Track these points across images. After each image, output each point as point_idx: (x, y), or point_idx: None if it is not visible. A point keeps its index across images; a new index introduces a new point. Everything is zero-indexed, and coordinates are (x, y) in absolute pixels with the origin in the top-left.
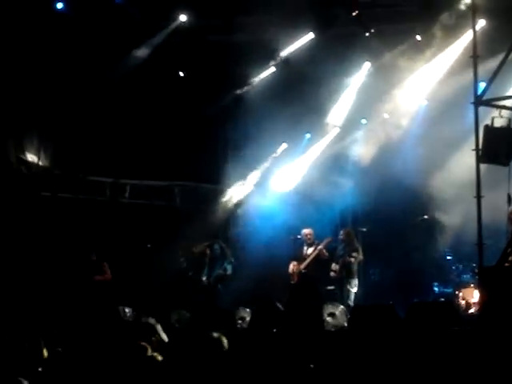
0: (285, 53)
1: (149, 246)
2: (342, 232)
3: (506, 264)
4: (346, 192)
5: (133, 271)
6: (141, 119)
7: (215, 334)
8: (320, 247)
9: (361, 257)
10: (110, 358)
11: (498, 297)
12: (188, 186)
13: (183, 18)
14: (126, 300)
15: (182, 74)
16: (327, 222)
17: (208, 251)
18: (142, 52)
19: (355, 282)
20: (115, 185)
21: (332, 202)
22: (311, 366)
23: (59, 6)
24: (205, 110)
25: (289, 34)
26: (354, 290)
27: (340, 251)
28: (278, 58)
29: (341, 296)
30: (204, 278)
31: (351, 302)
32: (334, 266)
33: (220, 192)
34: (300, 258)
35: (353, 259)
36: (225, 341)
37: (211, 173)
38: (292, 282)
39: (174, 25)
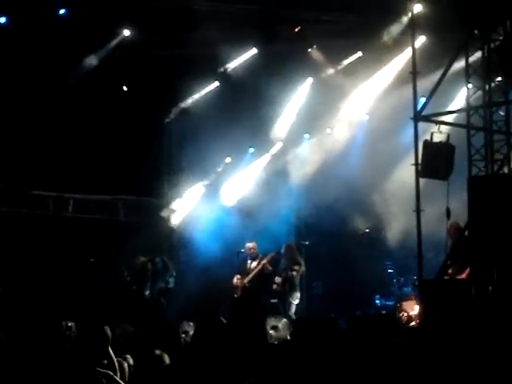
0: (228, 68)
1: (92, 260)
2: (283, 246)
3: (445, 277)
4: (290, 206)
5: (76, 286)
6: (84, 133)
7: (157, 352)
8: (264, 262)
9: (303, 269)
10: (52, 372)
11: (437, 309)
12: (131, 200)
13: (127, 32)
14: (69, 315)
15: (125, 88)
16: (271, 235)
17: (150, 265)
18: (85, 66)
19: (297, 294)
20: (59, 199)
21: (276, 216)
22: (251, 379)
23: (2, 20)
24: (148, 125)
25: (232, 49)
26: (296, 302)
27: (282, 265)
28: (222, 73)
29: (283, 309)
30: (147, 292)
31: (292, 315)
32: (277, 279)
33: (163, 206)
34: (244, 271)
35: (295, 272)
36: (166, 357)
37: (154, 187)
38: (235, 296)
39: (117, 39)
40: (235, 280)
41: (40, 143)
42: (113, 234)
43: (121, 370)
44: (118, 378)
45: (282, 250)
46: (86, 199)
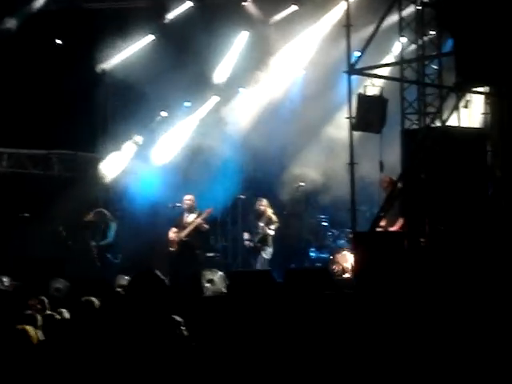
0: (163, 21)
1: (26, 215)
2: (258, 203)
3: (378, 229)
4: (226, 160)
5: (10, 241)
6: (18, 88)
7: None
8: (199, 220)
9: (278, 225)
10: None
11: (370, 261)
12: (66, 155)
13: None
14: (2, 269)
15: (59, 41)
16: (209, 189)
17: (93, 219)
18: (16, 20)
19: (270, 250)
20: None
21: (212, 171)
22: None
23: None
24: (83, 79)
25: (167, 2)
26: (269, 257)
27: (253, 219)
28: (157, 27)
29: (254, 263)
30: (93, 244)
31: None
32: (247, 235)
33: (99, 160)
34: (180, 225)
35: (272, 232)
36: (96, 301)
37: (89, 141)
38: (172, 250)
39: None
40: (171, 234)
41: None
42: (47, 189)
43: (51, 322)
44: (33, 332)
45: (256, 207)
46: (19, 153)
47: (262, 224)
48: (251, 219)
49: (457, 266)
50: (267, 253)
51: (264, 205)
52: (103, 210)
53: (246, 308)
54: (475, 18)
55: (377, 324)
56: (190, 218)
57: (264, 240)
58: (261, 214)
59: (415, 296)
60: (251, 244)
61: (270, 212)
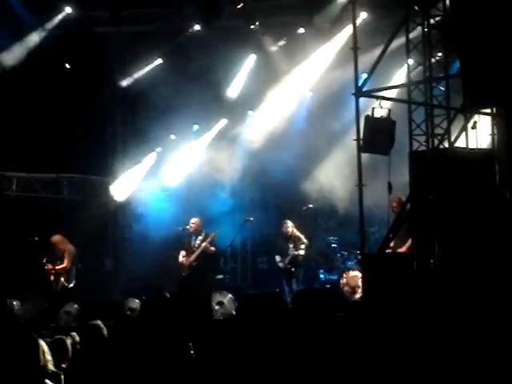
0: (171, 44)
1: (36, 238)
2: (284, 225)
3: (387, 250)
4: (235, 182)
5: (20, 264)
6: (28, 112)
7: (93, 322)
8: (204, 244)
9: (307, 243)
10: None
11: (379, 282)
12: (75, 178)
13: (68, 9)
14: (12, 293)
15: (68, 65)
16: (214, 212)
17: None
18: (27, 44)
19: (301, 270)
20: (2, 177)
21: (220, 193)
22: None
23: None
24: (92, 103)
25: (175, 26)
26: (301, 278)
27: (281, 242)
28: (165, 50)
29: (288, 285)
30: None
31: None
32: (279, 258)
33: (108, 184)
34: (188, 248)
35: (302, 251)
36: (104, 328)
37: (99, 165)
38: (183, 274)
39: (59, 17)
40: (181, 258)
41: None
42: (57, 213)
43: (62, 347)
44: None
45: (283, 229)
46: (29, 177)
47: (291, 245)
48: (280, 242)
49: (466, 287)
50: (299, 273)
51: (290, 226)
52: None
53: (256, 330)
54: (482, 40)
55: (386, 345)
56: (197, 241)
57: (295, 261)
58: (288, 236)
59: (424, 317)
60: (283, 266)
61: (296, 232)
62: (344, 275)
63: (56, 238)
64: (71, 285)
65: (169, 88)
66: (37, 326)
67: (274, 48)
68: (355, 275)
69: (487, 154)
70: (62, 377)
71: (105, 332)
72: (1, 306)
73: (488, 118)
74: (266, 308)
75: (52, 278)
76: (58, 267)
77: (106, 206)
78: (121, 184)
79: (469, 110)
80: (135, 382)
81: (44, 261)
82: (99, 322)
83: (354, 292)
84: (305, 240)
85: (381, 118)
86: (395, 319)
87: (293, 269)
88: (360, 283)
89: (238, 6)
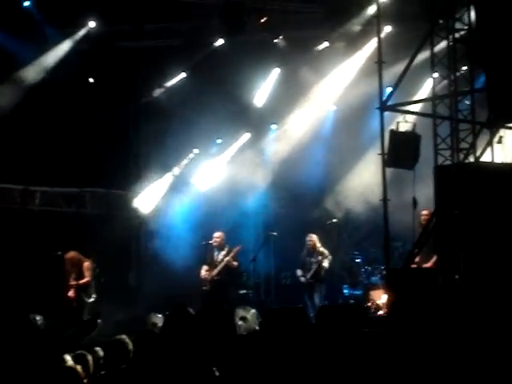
0: (195, 59)
1: (59, 253)
2: (308, 239)
3: (412, 265)
4: (258, 197)
5: (43, 279)
6: (51, 126)
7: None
8: (227, 258)
9: (330, 258)
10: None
11: (404, 298)
12: (98, 193)
13: (92, 24)
14: (36, 308)
15: (91, 80)
16: (238, 227)
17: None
18: (51, 58)
19: (324, 285)
20: (25, 191)
21: (244, 207)
22: (214, 369)
23: None
24: (115, 117)
25: (199, 40)
26: (324, 292)
27: (306, 256)
28: (189, 64)
29: (310, 299)
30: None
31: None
32: (300, 272)
33: (131, 198)
34: (211, 262)
35: (326, 264)
36: (130, 343)
37: (122, 180)
38: (204, 288)
39: (83, 31)
40: (203, 272)
41: (6, 136)
42: (80, 227)
43: (83, 362)
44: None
45: (307, 242)
46: (53, 192)
47: (313, 260)
48: (303, 255)
49: (492, 303)
50: (322, 288)
51: (314, 240)
52: None
53: (280, 346)
54: (507, 54)
55: (412, 362)
56: (220, 255)
57: (317, 275)
58: (312, 250)
59: (449, 333)
60: (305, 280)
61: (321, 248)
62: (369, 290)
63: (72, 253)
64: (91, 299)
65: (192, 102)
66: (62, 347)
67: (297, 62)
68: (379, 291)
69: None
70: None
71: (130, 347)
72: (24, 320)
73: None
74: (289, 323)
75: (72, 293)
76: (80, 282)
77: (129, 220)
78: (144, 198)
79: (494, 124)
80: None
81: (72, 277)
82: (124, 337)
83: (379, 308)
84: (328, 255)
85: (406, 133)
86: (420, 335)
87: (315, 283)
88: (384, 299)
89: (262, 20)
